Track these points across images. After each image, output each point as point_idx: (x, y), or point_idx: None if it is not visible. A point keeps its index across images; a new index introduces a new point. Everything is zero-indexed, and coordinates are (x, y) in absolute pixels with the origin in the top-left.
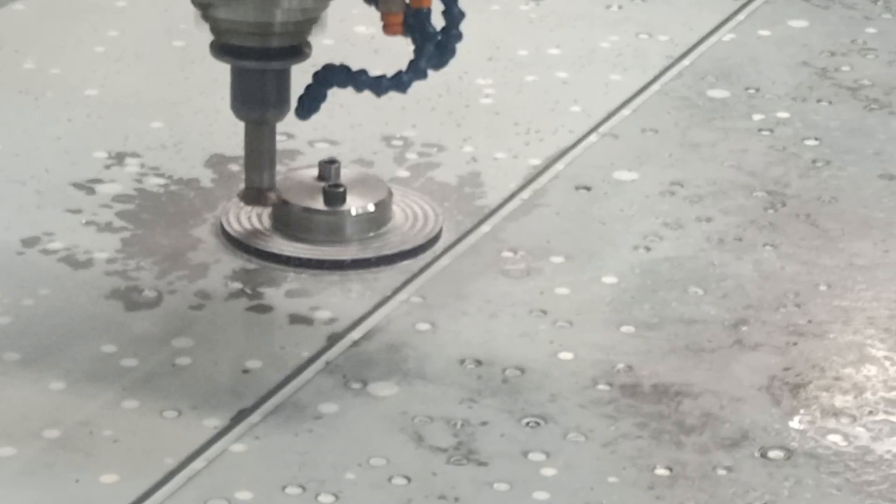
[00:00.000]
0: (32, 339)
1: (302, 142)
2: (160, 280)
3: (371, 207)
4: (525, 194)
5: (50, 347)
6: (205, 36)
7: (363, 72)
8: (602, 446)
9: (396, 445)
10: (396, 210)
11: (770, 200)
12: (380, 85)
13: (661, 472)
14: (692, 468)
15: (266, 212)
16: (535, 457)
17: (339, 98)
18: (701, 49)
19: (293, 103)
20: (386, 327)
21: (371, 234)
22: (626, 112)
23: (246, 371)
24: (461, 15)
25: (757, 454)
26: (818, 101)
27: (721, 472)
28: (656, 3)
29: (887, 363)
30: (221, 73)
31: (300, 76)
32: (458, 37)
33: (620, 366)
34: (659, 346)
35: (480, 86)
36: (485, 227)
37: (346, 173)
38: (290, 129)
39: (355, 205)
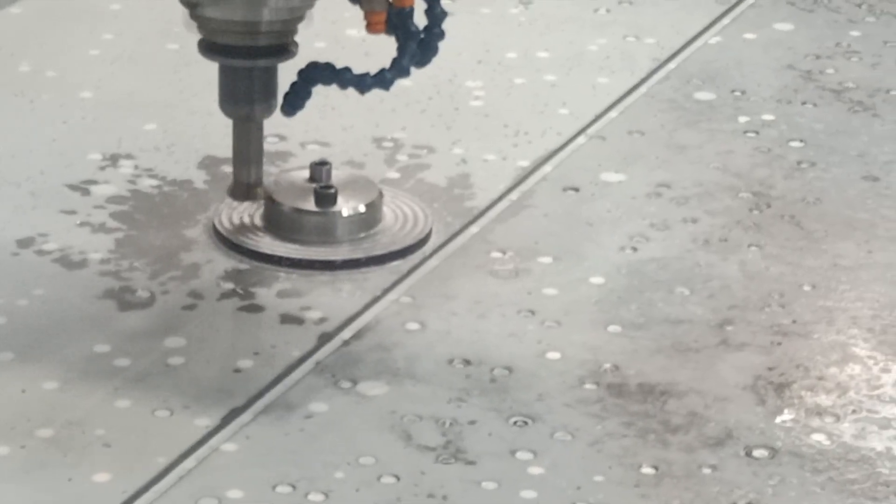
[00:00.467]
0: (26, 338)
1: (294, 143)
2: (153, 280)
3: (362, 209)
4: (514, 196)
5: (43, 347)
6: (195, 37)
7: (347, 69)
8: (589, 445)
9: (385, 444)
10: (387, 211)
11: (755, 201)
12: (363, 82)
13: (646, 470)
14: (678, 467)
15: (258, 213)
16: (523, 455)
17: (330, 101)
18: (687, 52)
19: (280, 100)
20: (376, 327)
21: (362, 235)
22: (613, 114)
23: (237, 370)
24: (443, 14)
25: (742, 453)
26: (803, 103)
27: (706, 470)
28: (643, 7)
29: (870, 362)
30: (214, 75)
31: (287, 74)
32: (441, 35)
33: (607, 365)
34: (645, 346)
35: (470, 88)
36: (474, 228)
37: (338, 175)
38: (282, 132)
39: (346, 206)
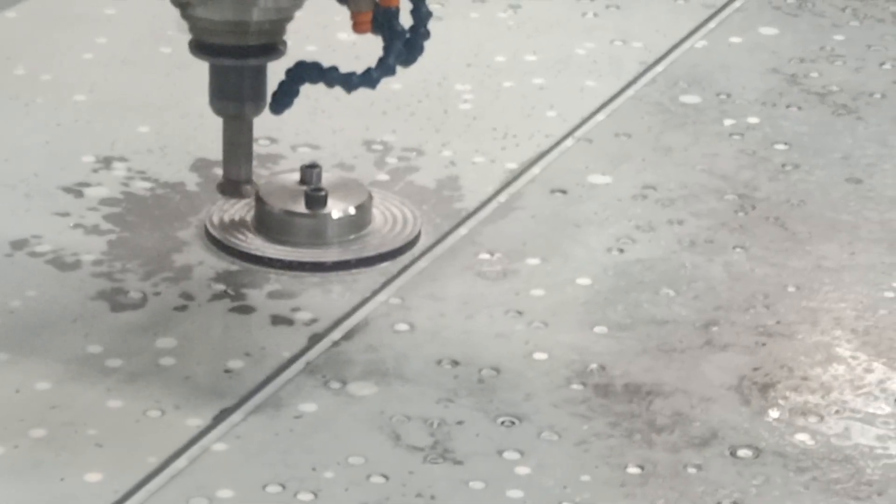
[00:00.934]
0: (20, 339)
1: (284, 146)
2: (145, 281)
3: (352, 211)
4: (502, 198)
5: (37, 347)
6: (187, 38)
7: (334, 68)
8: (575, 445)
9: (374, 444)
10: (376, 213)
11: (740, 203)
12: (350, 81)
13: (632, 470)
14: (663, 466)
15: (249, 215)
16: (510, 455)
17: (320, 104)
18: (674, 56)
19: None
20: (365, 328)
21: (351, 237)
22: (600, 117)
23: (228, 371)
24: (429, 14)
25: (726, 453)
26: (787, 106)
27: (691, 470)
28: (631, 11)
29: (854, 363)
30: (206, 79)
31: (276, 74)
32: (426, 35)
33: (593, 366)
34: (631, 347)
35: (459, 91)
36: (462, 230)
37: (328, 177)
38: (273, 134)
39: (336, 208)
